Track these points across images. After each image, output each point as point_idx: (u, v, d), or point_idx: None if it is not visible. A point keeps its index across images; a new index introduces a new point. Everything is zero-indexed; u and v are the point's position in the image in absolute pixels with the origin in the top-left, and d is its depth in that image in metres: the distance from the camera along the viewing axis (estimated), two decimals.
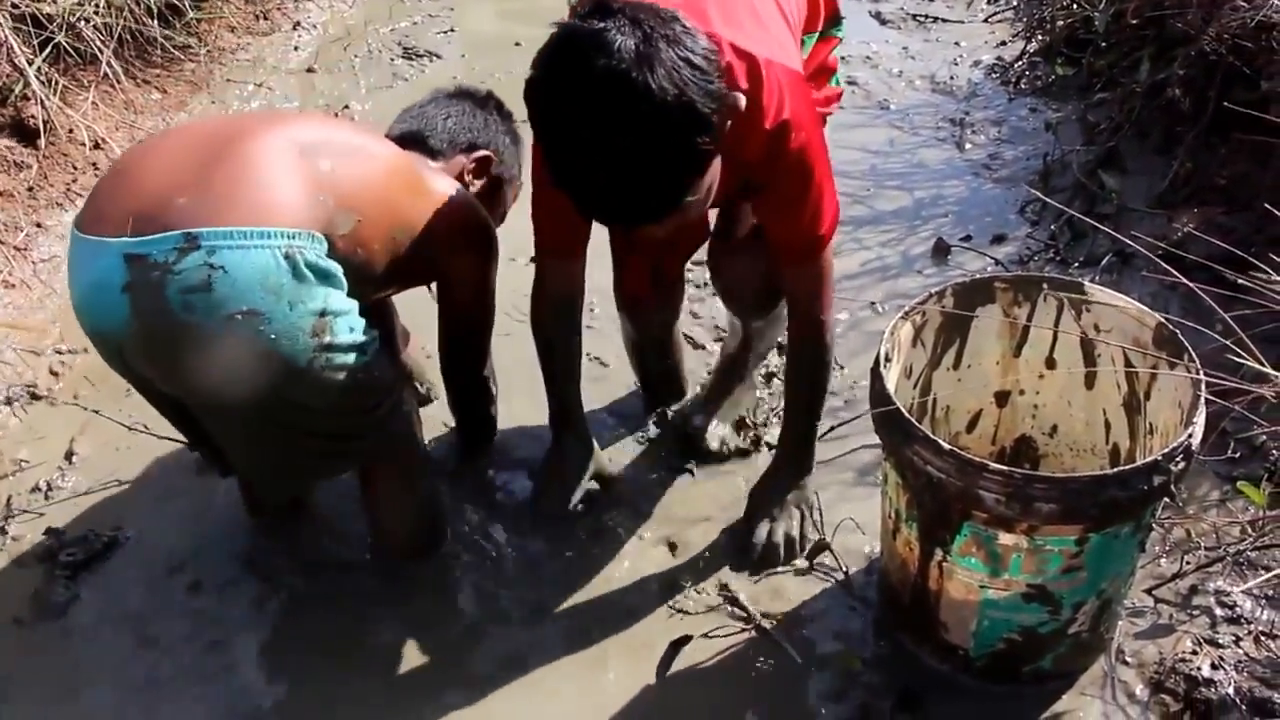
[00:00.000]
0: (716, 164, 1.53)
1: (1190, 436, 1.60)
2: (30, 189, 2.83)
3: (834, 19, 2.03)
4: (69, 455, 2.28)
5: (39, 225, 2.78)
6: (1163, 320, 1.75)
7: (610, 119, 1.38)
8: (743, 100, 1.51)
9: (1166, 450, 1.57)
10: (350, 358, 1.64)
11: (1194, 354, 1.68)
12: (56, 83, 3.00)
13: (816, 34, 1.96)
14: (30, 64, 2.91)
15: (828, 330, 1.96)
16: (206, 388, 1.60)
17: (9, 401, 2.37)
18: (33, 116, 2.90)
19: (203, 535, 2.12)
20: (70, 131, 2.99)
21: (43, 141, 2.90)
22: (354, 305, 1.66)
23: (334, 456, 1.84)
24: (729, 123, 1.50)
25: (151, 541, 2.11)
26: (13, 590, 2.01)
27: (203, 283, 1.52)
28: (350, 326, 1.64)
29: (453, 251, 1.90)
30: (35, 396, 2.39)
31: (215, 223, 1.53)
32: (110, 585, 2.03)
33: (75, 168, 2.96)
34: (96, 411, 2.32)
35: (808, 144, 1.71)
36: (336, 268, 1.63)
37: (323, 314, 1.60)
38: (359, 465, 1.93)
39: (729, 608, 1.97)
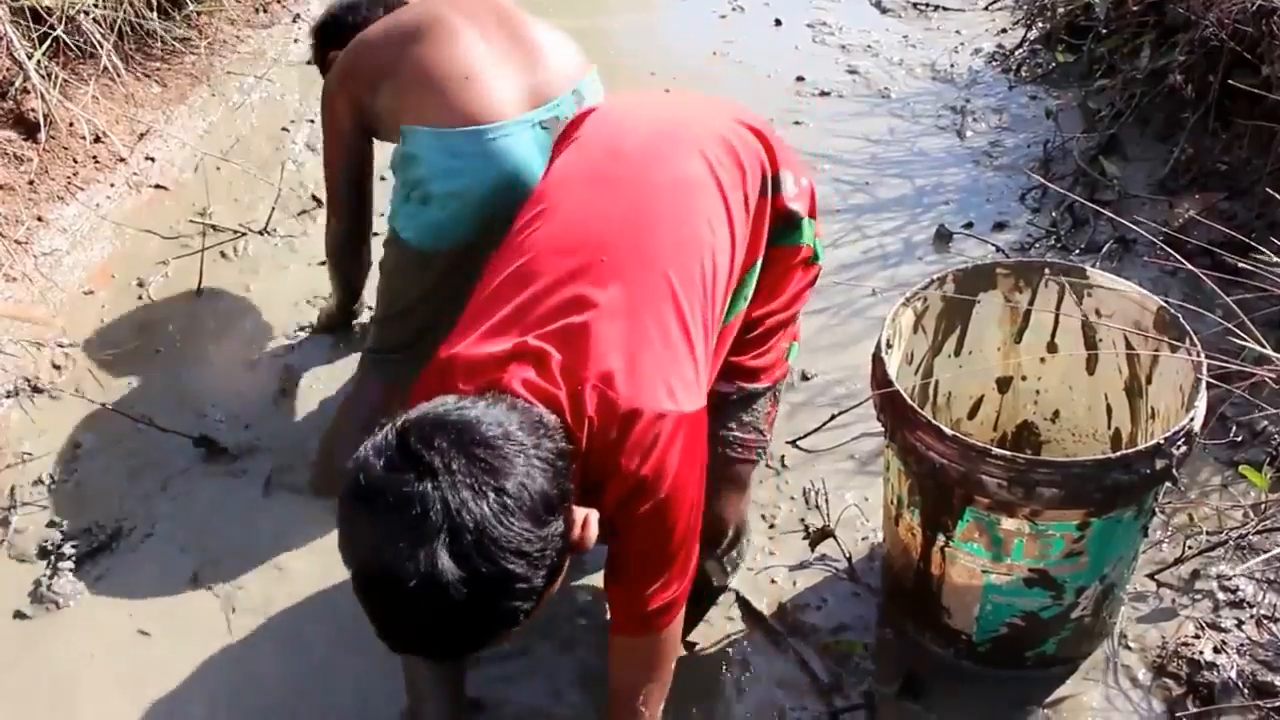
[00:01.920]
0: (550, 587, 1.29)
1: (1192, 420, 1.60)
2: (31, 182, 2.83)
3: (787, 228, 1.73)
4: (72, 448, 2.28)
5: (40, 219, 2.78)
6: (1164, 304, 1.75)
7: (393, 604, 1.21)
8: (592, 532, 1.33)
9: (1169, 434, 1.57)
10: None
11: (1195, 338, 1.68)
12: (56, 76, 2.99)
13: (759, 261, 1.69)
14: (30, 57, 2.91)
15: None
16: None
17: (12, 395, 2.37)
18: (33, 110, 2.90)
19: (204, 528, 2.12)
20: (70, 125, 2.99)
21: (43, 135, 2.90)
22: None
23: None
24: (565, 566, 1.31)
25: (153, 534, 2.11)
26: (16, 582, 2.01)
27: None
28: None
29: None
30: (37, 390, 2.39)
31: (577, 77, 2.07)
32: (112, 578, 2.03)
33: (76, 161, 2.95)
34: (102, 404, 2.33)
35: (669, 501, 1.42)
36: None
37: None
38: None
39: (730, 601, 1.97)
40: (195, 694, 1.84)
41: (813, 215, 1.80)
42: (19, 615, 1.97)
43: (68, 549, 2.05)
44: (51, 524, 2.11)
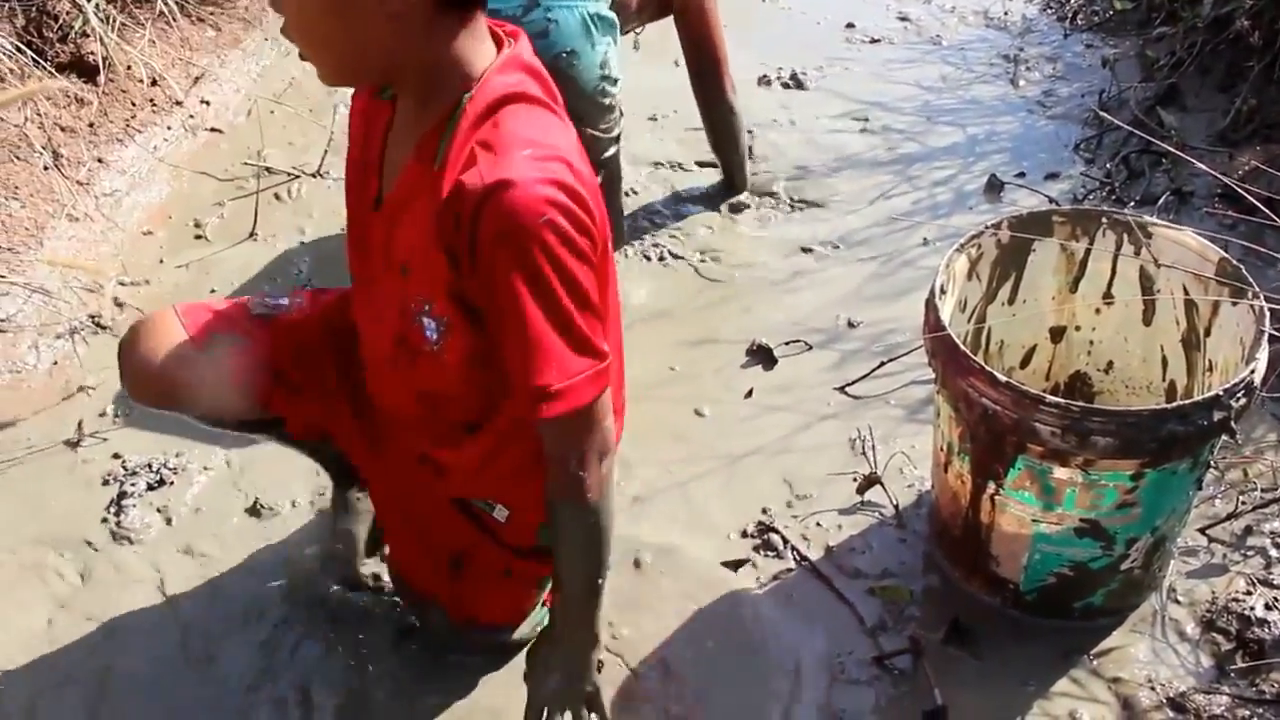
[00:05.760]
0: None
1: (1253, 372, 1.58)
2: (91, 125, 2.87)
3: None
4: None
5: (100, 160, 2.82)
6: (1225, 255, 1.73)
7: None
8: None
9: (1228, 385, 1.55)
10: (615, 87, 2.30)
11: (1258, 289, 1.65)
12: (114, 20, 3.02)
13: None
14: (89, 1, 2.94)
15: (588, 491, 1.41)
16: None
17: (74, 332, 2.42)
18: (92, 53, 2.94)
19: (258, 461, 2.15)
20: (128, 68, 3.02)
21: (102, 78, 2.93)
22: (618, 50, 2.28)
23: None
24: None
25: (211, 468, 2.16)
26: (84, 512, 2.07)
27: (543, 31, 2.13)
28: (617, 64, 2.28)
29: None
30: (101, 326, 2.44)
31: None
32: (173, 510, 2.07)
33: (134, 104, 2.99)
34: None
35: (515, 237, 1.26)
36: (615, 18, 2.24)
37: (606, 53, 2.23)
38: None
39: (777, 544, 1.99)
40: (252, 623, 1.88)
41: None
42: (88, 544, 2.02)
43: (130, 483, 2.10)
44: (115, 456, 2.16)
